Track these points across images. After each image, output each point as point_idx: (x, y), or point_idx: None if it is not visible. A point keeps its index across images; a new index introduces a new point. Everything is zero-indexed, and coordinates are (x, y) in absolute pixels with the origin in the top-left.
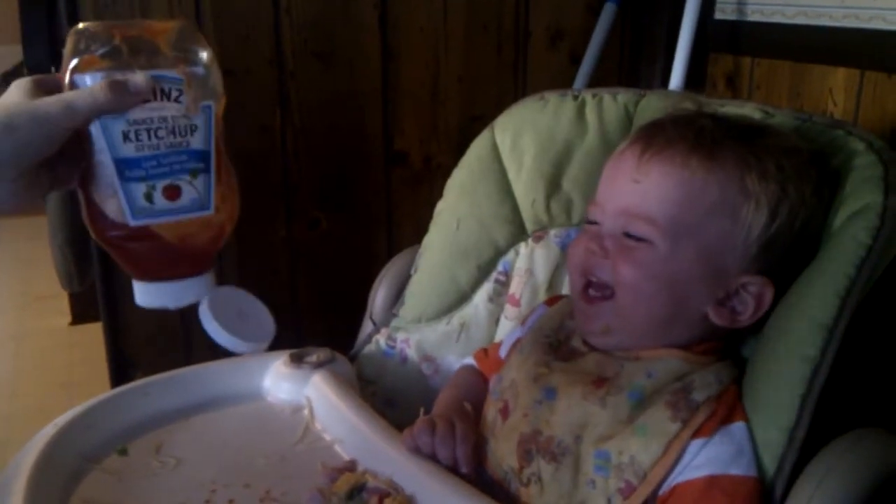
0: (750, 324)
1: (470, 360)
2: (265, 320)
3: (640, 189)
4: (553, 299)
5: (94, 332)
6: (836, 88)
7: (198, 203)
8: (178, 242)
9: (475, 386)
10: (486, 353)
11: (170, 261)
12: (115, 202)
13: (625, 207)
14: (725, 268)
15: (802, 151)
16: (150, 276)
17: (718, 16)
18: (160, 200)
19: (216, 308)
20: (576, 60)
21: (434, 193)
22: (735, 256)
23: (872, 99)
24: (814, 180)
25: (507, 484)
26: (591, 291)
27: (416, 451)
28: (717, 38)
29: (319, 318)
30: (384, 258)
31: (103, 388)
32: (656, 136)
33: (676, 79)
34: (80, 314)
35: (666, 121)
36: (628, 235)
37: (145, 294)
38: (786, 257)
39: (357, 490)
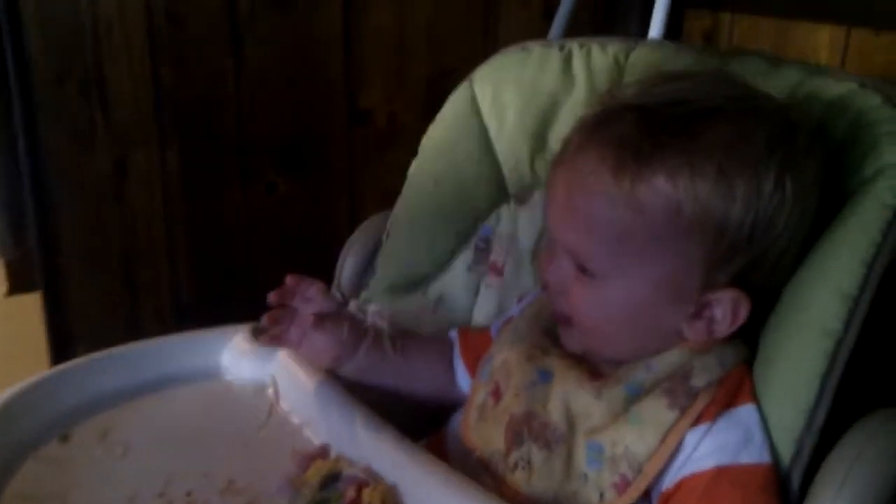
0: (730, 333)
1: (454, 333)
2: None
3: (573, 228)
4: None
5: (31, 304)
6: (820, 47)
7: None
8: None
9: (427, 340)
10: (470, 330)
11: None
12: None
13: (565, 244)
14: (686, 286)
15: (754, 135)
16: None
17: None
18: None
19: None
20: (549, 15)
21: (399, 155)
22: (693, 273)
23: (859, 57)
24: (773, 168)
25: (494, 466)
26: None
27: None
28: None
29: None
30: (346, 225)
31: (41, 366)
32: (579, 156)
33: (654, 35)
34: (17, 284)
35: (589, 127)
36: (581, 269)
37: None
38: (757, 259)
39: (331, 479)
